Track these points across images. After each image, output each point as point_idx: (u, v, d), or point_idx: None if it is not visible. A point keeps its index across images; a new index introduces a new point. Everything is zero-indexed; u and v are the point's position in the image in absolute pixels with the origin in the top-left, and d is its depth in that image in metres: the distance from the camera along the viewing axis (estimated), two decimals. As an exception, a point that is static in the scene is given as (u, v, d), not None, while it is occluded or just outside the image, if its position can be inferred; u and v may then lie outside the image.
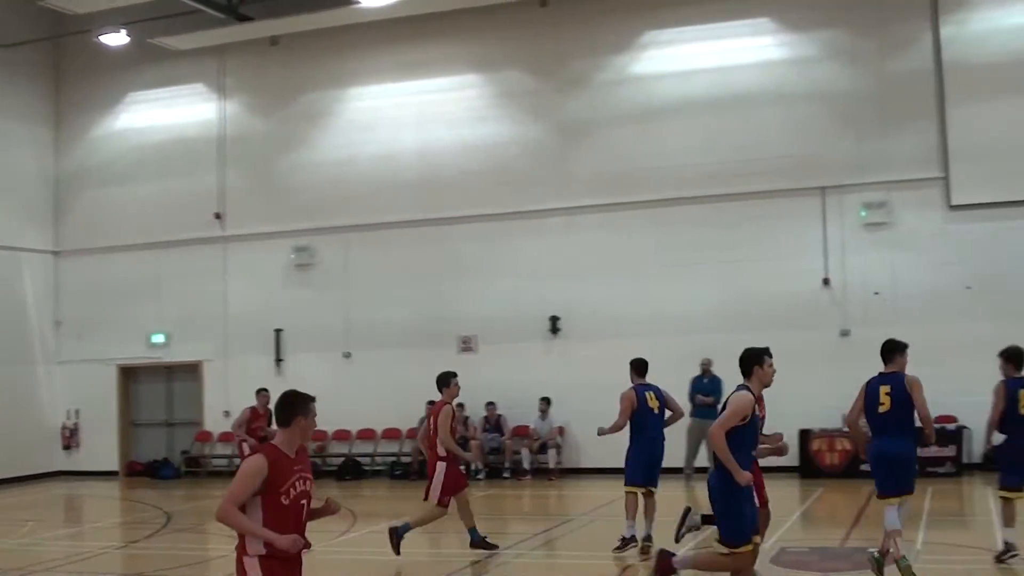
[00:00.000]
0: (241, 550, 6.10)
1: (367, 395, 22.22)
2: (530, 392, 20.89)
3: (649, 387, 12.59)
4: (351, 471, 22.19)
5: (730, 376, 19.30)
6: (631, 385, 12.57)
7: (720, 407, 8.98)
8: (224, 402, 23.35)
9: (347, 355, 22.83)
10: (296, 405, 6.19)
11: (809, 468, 19.44)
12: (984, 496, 16.34)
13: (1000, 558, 10.80)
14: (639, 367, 12.70)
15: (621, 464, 12.65)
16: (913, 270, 19.79)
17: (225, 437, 23.50)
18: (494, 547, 12.63)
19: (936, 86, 19.83)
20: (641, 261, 20.92)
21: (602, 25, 21.45)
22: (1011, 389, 10.96)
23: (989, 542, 11.72)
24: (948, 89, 19.76)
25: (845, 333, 20.02)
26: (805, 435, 19.49)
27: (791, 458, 18.92)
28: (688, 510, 10.83)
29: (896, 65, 20.20)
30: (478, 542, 12.59)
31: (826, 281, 20.19)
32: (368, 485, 21.67)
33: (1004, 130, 19.44)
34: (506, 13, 21.89)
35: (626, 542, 12.21)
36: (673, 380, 19.63)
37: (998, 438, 11.19)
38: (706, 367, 19.53)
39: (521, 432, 21.47)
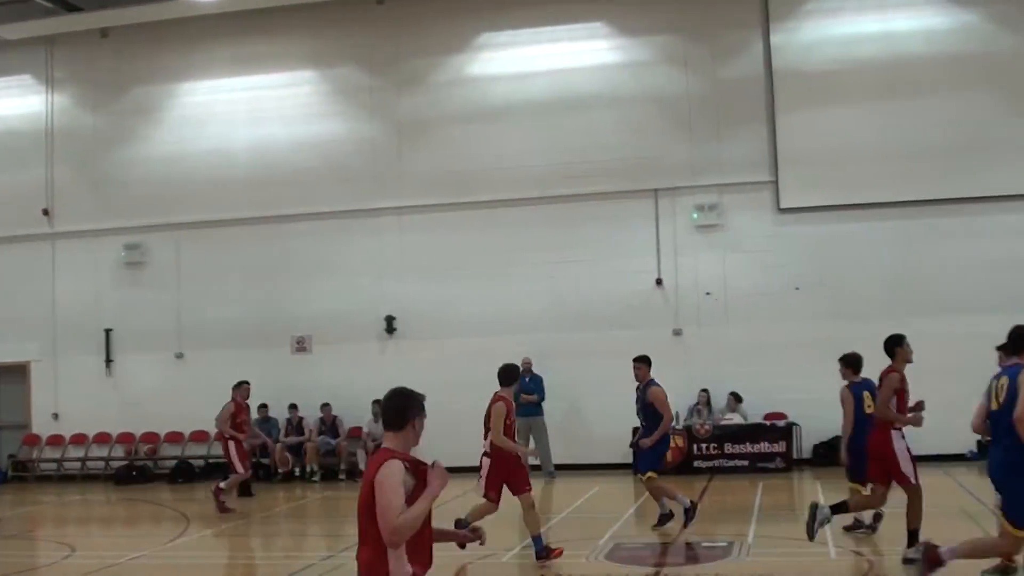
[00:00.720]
0: None
1: (200, 397, 21.58)
2: (366, 392, 20.71)
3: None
4: (184, 474, 21.76)
5: (567, 373, 19.83)
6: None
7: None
8: (52, 404, 22.81)
9: (179, 356, 22.41)
10: (411, 405, 5.62)
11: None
12: (814, 490, 16.79)
13: (849, 528, 12.16)
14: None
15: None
16: (744, 271, 20.34)
17: (54, 440, 22.91)
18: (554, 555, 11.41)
19: (767, 92, 20.43)
20: (477, 261, 21.03)
21: (440, 25, 21.50)
22: (856, 394, 11.85)
23: (822, 536, 12.02)
24: (778, 96, 20.37)
25: (677, 332, 20.49)
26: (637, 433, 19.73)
27: (624, 454, 19.44)
28: (815, 505, 10.95)
29: (728, 71, 20.72)
30: (541, 553, 11.38)
31: (659, 281, 20.60)
32: (202, 488, 21.23)
33: (831, 137, 20.10)
34: (342, 9, 21.75)
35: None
36: (510, 380, 19.99)
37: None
38: (527, 366, 19.73)
39: (356, 433, 21.35)
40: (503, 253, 20.95)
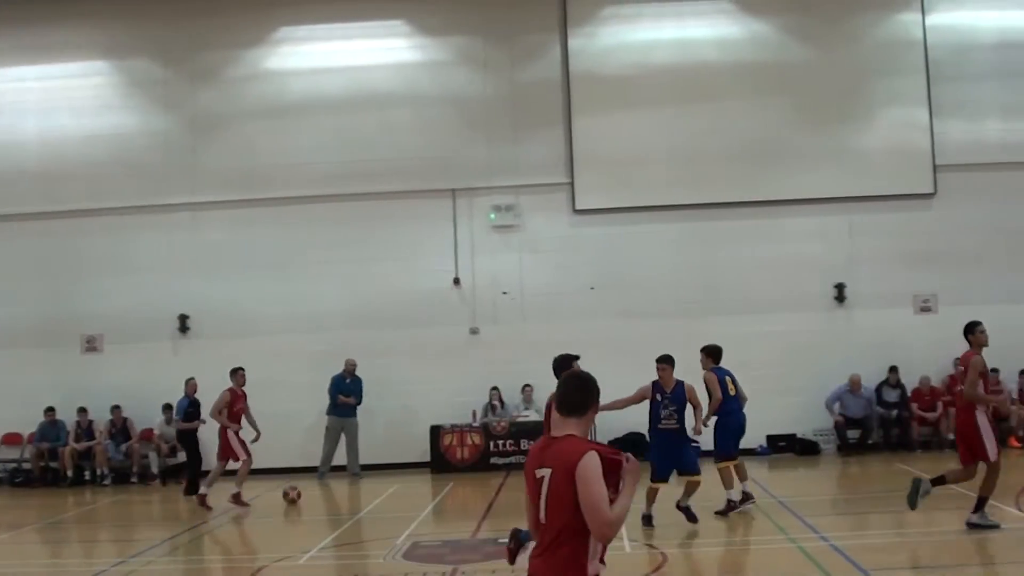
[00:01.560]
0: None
1: (-18, 397, 21.13)
2: (158, 394, 20.42)
3: None
4: (-30, 479, 21.10)
5: (365, 372, 19.87)
6: None
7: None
8: None
9: (-40, 355, 21.69)
10: (594, 389, 5.06)
11: (440, 463, 19.86)
12: None
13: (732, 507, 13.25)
14: None
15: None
16: (540, 271, 20.77)
17: None
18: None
19: (564, 96, 20.89)
20: (273, 258, 20.91)
21: (236, 18, 21.29)
22: (720, 377, 13.59)
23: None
24: (575, 99, 20.85)
25: (474, 331, 20.77)
26: (436, 431, 19.94)
27: (422, 453, 19.65)
28: (918, 480, 11.53)
29: (527, 74, 21.10)
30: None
31: (456, 281, 20.83)
32: (-6, 494, 20.66)
33: (626, 140, 20.70)
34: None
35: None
36: (307, 378, 20.03)
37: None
38: (351, 368, 19.78)
39: (148, 436, 21.00)
40: (300, 251, 20.91)
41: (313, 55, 21.31)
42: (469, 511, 16.09)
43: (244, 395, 16.66)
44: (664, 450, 12.80)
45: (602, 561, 4.96)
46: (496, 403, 20.30)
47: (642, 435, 15.09)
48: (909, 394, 20.37)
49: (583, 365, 10.00)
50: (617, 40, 21.05)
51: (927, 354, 20.35)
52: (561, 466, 4.87)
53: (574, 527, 4.83)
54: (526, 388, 20.18)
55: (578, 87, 20.82)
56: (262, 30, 21.35)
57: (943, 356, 20.03)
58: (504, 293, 20.79)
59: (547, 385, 19.60)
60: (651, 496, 12.60)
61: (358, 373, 20.06)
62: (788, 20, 21.07)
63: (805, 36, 21.06)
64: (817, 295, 20.64)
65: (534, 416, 20.05)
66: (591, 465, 4.78)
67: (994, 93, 21.03)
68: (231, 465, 16.57)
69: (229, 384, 16.66)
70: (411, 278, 20.74)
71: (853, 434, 20.27)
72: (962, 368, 11.93)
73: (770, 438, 20.48)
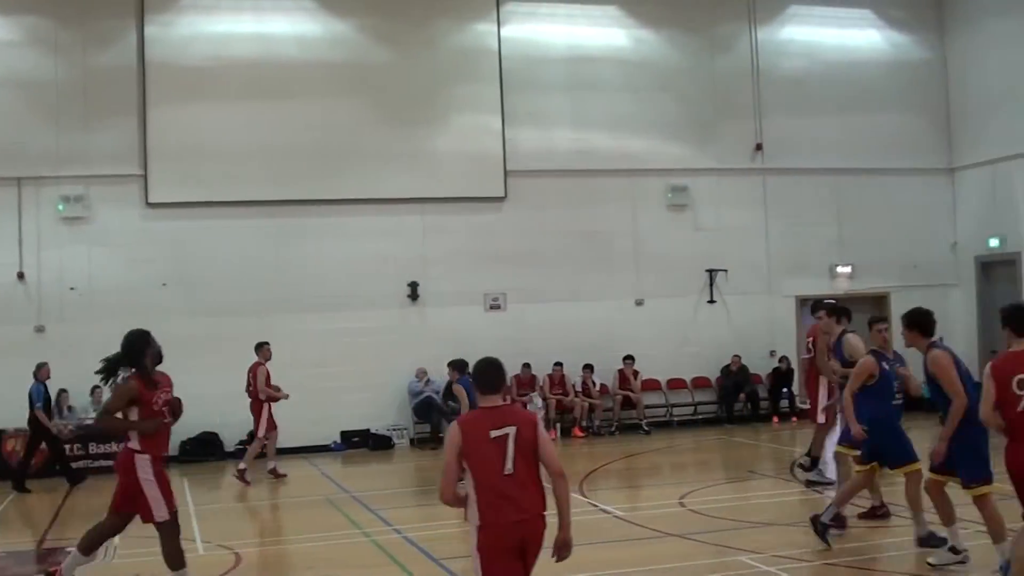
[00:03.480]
0: None
1: None
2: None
3: None
4: None
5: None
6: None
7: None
8: None
9: None
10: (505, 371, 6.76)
11: (3, 470, 18.93)
12: (181, 486, 17.09)
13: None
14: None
15: None
16: (111, 266, 20.49)
17: None
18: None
19: (139, 85, 20.67)
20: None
21: None
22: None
23: (188, 532, 12.41)
24: (151, 89, 20.69)
25: (40, 329, 20.27)
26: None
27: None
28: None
29: (100, 59, 20.72)
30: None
31: (21, 275, 20.29)
32: None
33: (203, 133, 20.79)
34: None
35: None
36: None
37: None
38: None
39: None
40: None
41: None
42: (33, 520, 15.69)
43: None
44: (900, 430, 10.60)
45: None
46: (65, 406, 19.81)
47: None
48: (478, 389, 21.62)
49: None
50: (195, 30, 21.06)
51: (496, 350, 21.57)
52: (524, 423, 6.56)
53: (537, 467, 6.53)
54: (96, 390, 19.86)
55: (154, 77, 20.67)
56: None
57: (512, 352, 21.43)
58: (72, 289, 20.38)
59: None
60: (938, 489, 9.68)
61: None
62: (368, 21, 21.81)
63: (385, 39, 21.88)
64: (392, 293, 21.56)
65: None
66: (541, 423, 6.68)
67: (563, 104, 22.75)
68: None
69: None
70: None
71: (423, 428, 21.38)
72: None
73: (344, 434, 21.25)
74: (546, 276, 22.17)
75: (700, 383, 23.32)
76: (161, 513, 9.13)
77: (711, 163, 23.52)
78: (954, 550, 9.54)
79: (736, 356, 23.10)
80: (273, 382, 17.99)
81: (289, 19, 21.51)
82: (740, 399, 23.16)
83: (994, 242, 24.01)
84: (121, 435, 9.66)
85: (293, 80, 21.25)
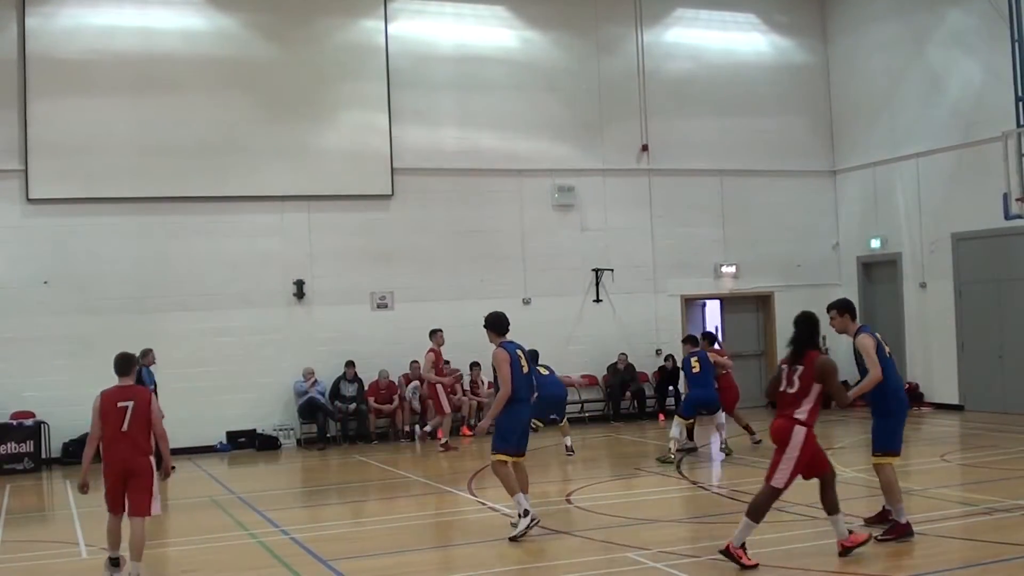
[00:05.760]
0: None
1: None
2: None
3: None
4: None
5: None
6: None
7: None
8: None
9: None
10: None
11: None
12: (64, 489, 17.63)
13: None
14: None
15: None
16: (-11, 263, 20.64)
17: None
18: None
19: (19, 77, 20.77)
20: None
21: None
22: (511, 351, 12.06)
23: (71, 535, 12.92)
24: (31, 81, 20.81)
25: (-84, 328, 20.40)
26: None
27: None
28: None
29: (-22, 52, 20.85)
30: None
31: None
32: None
33: (86, 127, 21.02)
34: None
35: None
36: None
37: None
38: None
39: None
40: None
41: None
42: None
43: (441, 353, 20.94)
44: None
45: None
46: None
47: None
48: (367, 388, 22.30)
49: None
50: (77, 23, 21.25)
51: (383, 349, 22.48)
52: (141, 399, 10.27)
53: (150, 436, 10.19)
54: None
55: (35, 69, 20.83)
56: None
57: (399, 351, 22.30)
58: (-60, 287, 20.49)
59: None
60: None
61: None
62: (254, 17, 22.25)
63: (272, 35, 22.38)
64: (278, 292, 22.09)
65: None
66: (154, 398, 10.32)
67: (451, 103, 23.57)
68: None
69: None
70: None
71: (309, 428, 21.99)
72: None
73: (230, 434, 21.67)
74: (433, 275, 22.97)
75: (587, 381, 24.29)
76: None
77: (597, 163, 24.57)
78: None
79: (622, 354, 24.12)
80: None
81: (174, 13, 21.82)
82: (626, 397, 24.24)
83: (875, 243, 25.42)
84: None
85: (178, 75, 21.62)
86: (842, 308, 11.29)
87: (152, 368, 18.70)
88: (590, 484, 15.72)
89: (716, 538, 10.81)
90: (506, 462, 11.87)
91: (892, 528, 10.80)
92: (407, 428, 22.21)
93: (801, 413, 9.80)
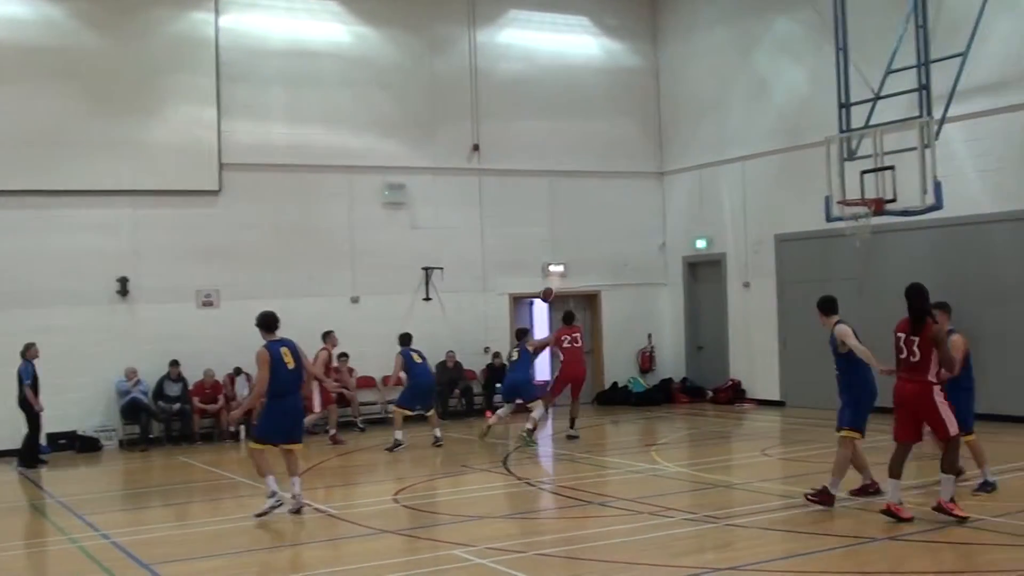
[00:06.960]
0: None
1: None
2: None
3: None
4: None
5: None
6: None
7: None
8: None
9: None
10: None
11: None
12: None
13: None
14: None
15: None
16: None
17: None
18: None
19: None
20: None
21: None
22: (273, 350, 13.86)
23: None
24: None
25: None
26: None
27: None
28: None
29: None
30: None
31: None
32: None
33: None
34: None
35: None
36: None
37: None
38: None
39: None
40: None
41: None
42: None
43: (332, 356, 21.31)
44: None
45: None
46: None
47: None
48: (191, 387, 22.32)
49: None
50: None
51: (209, 347, 22.48)
52: None
53: None
54: None
55: None
56: None
57: (225, 350, 22.29)
58: None
59: None
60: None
61: None
62: (81, 6, 21.89)
63: (98, 24, 22.06)
64: (100, 289, 21.84)
65: None
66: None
67: (281, 97, 23.70)
68: None
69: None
70: None
71: (132, 429, 21.89)
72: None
73: (50, 436, 21.31)
74: (261, 272, 23.00)
75: (415, 379, 24.69)
76: None
77: (428, 162, 24.99)
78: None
79: (451, 352, 24.63)
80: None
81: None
82: (455, 395, 24.79)
83: (701, 243, 26.50)
84: None
85: (1, 64, 21.25)
86: (826, 304, 12.76)
87: (35, 362, 19.13)
88: (418, 483, 16.07)
89: (542, 533, 11.55)
90: (261, 450, 13.49)
91: (823, 492, 12.30)
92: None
93: (932, 376, 11.24)
